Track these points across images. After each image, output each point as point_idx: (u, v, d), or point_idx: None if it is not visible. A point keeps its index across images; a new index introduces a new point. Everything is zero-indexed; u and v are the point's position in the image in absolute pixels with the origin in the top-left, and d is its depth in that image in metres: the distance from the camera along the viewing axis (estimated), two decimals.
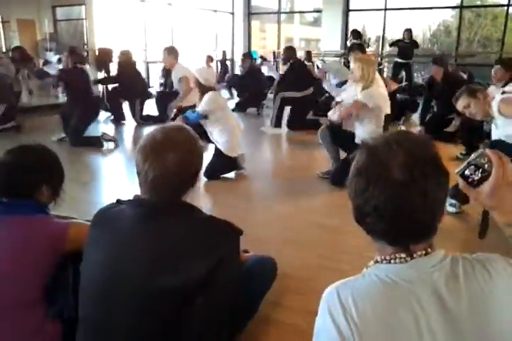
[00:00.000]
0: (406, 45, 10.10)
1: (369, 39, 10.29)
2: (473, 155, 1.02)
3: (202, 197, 3.92)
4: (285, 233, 3.26)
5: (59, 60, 9.71)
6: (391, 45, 10.86)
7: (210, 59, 11.76)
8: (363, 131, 4.14)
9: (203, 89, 4.46)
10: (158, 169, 1.34)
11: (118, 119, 7.88)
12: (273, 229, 3.35)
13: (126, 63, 7.70)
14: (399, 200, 0.92)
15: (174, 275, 1.30)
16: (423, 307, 0.92)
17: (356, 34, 10.20)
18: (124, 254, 1.35)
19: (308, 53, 10.05)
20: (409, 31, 10.11)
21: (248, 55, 10.37)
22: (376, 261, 1.01)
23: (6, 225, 1.63)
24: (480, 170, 1.00)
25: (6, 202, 1.67)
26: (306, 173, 4.84)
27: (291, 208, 3.80)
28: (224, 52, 13.75)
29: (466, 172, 1.01)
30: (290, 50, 7.64)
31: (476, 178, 1.00)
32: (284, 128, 7.12)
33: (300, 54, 9.63)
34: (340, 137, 4.39)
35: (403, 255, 0.97)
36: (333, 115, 4.33)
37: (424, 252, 0.97)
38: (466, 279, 0.95)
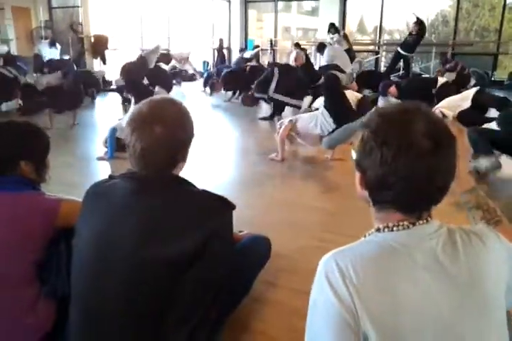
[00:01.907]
0: (413, 38, 10.01)
1: (343, 35, 10.20)
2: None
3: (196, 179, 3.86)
4: (280, 216, 3.27)
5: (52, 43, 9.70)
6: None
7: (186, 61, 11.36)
8: None
9: None
10: (145, 141, 1.33)
11: None
12: (268, 212, 3.36)
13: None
14: (428, 168, 0.93)
15: (165, 248, 1.29)
16: (422, 270, 0.94)
17: (334, 28, 10.20)
18: (115, 228, 1.35)
19: (297, 44, 9.99)
20: (416, 24, 10.00)
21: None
22: (377, 229, 1.01)
23: None
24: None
25: None
26: (303, 161, 4.85)
27: (286, 192, 3.83)
28: (221, 40, 13.68)
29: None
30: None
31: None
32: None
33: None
34: None
35: (406, 222, 0.98)
36: None
37: (425, 220, 0.99)
38: (464, 245, 0.98)
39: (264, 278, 2.16)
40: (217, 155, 5.06)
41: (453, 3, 12.91)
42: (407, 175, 0.94)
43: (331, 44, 9.76)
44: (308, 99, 6.94)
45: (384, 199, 1.00)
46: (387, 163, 0.94)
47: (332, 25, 10.48)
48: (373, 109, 1.04)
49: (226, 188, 3.92)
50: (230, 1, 14.96)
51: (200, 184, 1.47)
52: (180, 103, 1.48)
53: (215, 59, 13.62)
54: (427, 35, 11.12)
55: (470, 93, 5.62)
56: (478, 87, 5.83)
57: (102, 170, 4.51)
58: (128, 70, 7.22)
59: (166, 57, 10.39)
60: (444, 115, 5.35)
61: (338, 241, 2.62)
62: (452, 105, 5.53)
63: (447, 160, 0.95)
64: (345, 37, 10.27)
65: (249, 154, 5.28)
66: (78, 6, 11.18)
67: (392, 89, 6.50)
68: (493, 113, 5.45)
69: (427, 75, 10.57)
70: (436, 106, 5.51)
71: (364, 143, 0.98)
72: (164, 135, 1.35)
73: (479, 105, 5.40)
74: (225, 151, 5.39)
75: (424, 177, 0.94)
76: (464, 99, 5.51)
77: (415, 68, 11.84)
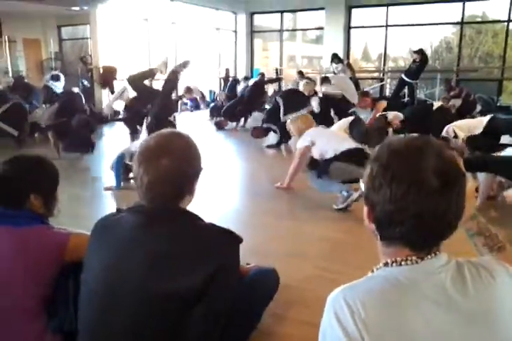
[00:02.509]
0: (416, 66, 10.12)
1: (347, 64, 10.44)
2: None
3: (202, 209, 3.86)
4: (287, 246, 3.25)
5: (55, 77, 9.87)
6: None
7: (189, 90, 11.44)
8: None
9: None
10: (152, 173, 1.35)
11: None
12: (275, 242, 3.34)
13: None
14: (437, 206, 0.93)
15: (172, 282, 1.29)
16: (430, 305, 0.93)
17: (337, 59, 10.39)
18: (122, 261, 1.35)
19: (300, 73, 10.15)
20: (418, 53, 10.13)
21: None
22: (385, 264, 1.01)
23: (2, 236, 1.63)
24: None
25: (1, 212, 1.67)
26: (307, 189, 4.83)
27: (291, 221, 3.81)
28: (227, 70, 13.87)
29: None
30: None
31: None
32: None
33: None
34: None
35: (415, 257, 0.98)
36: None
37: (433, 254, 0.99)
38: (473, 280, 0.97)
39: (272, 311, 2.13)
40: (223, 184, 5.06)
41: (456, 30, 13.08)
42: (416, 212, 0.93)
43: (335, 73, 9.92)
44: None
45: (392, 235, 0.99)
46: (397, 200, 0.93)
47: (335, 55, 10.70)
48: (384, 142, 1.03)
49: (231, 217, 3.93)
50: (236, 31, 15.25)
51: (206, 213, 1.48)
52: (188, 136, 1.49)
53: (221, 88, 13.78)
54: (431, 61, 11.27)
55: (483, 121, 5.62)
56: (491, 115, 5.79)
57: (110, 202, 4.53)
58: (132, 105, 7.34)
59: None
60: (455, 134, 5.29)
61: (345, 271, 2.65)
62: (466, 128, 5.51)
63: (457, 197, 0.94)
64: (349, 66, 10.44)
65: (254, 182, 5.30)
66: (88, 38, 11.41)
67: (396, 122, 6.48)
68: (506, 139, 5.41)
69: (432, 101, 10.62)
70: (451, 124, 5.42)
71: (373, 177, 0.98)
72: (171, 168, 1.36)
73: (492, 132, 5.39)
74: (231, 179, 5.40)
75: (433, 215, 0.93)
76: (477, 127, 5.51)
77: (420, 95, 11.92)
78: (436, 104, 6.50)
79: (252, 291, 1.85)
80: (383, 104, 7.02)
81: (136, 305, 1.31)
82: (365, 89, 9.94)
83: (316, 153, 4.36)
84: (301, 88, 7.72)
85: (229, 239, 1.41)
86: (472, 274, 0.98)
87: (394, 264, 0.99)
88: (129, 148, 4.83)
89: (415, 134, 1.03)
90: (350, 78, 9.46)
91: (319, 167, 4.26)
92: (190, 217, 1.43)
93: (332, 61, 10.76)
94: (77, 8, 9.49)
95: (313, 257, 3.04)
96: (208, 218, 1.46)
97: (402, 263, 0.98)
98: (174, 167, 1.37)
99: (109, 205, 4.44)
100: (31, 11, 9.94)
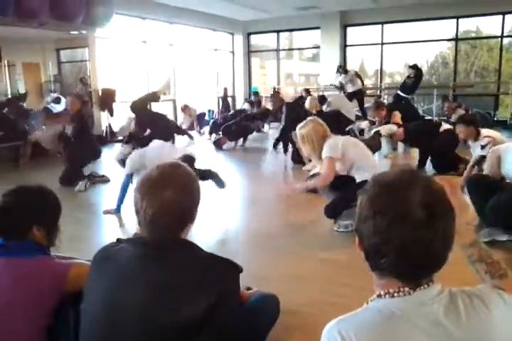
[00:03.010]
0: (411, 81, 10.22)
1: (355, 73, 10.62)
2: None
3: (199, 236, 3.91)
4: (287, 269, 3.23)
5: (56, 100, 9.96)
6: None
7: (187, 108, 11.59)
8: (361, 177, 3.77)
9: None
10: (156, 207, 1.35)
11: None
12: (275, 264, 3.32)
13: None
14: (422, 239, 0.94)
15: (173, 312, 1.29)
16: (422, 336, 0.93)
17: (342, 69, 10.56)
18: (122, 292, 1.35)
19: (307, 90, 10.33)
20: (412, 68, 10.26)
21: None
22: (379, 296, 1.01)
23: (4, 267, 1.63)
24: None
25: (3, 244, 1.68)
26: (309, 212, 4.82)
27: (294, 243, 3.77)
28: (225, 89, 14.00)
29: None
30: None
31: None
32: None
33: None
34: (340, 184, 3.88)
35: (407, 289, 0.98)
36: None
37: (426, 285, 0.99)
38: (466, 310, 0.97)
39: (274, 336, 2.11)
40: (223, 205, 5.06)
41: (451, 45, 13.23)
42: (400, 245, 0.94)
43: (342, 84, 10.04)
44: None
45: (380, 266, 1.00)
46: (380, 232, 0.95)
47: (340, 66, 10.85)
48: (375, 175, 1.05)
49: (232, 240, 3.91)
50: (233, 52, 15.42)
51: (205, 234, 1.47)
52: (187, 167, 1.51)
53: (220, 108, 13.92)
54: (427, 76, 11.36)
55: None
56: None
57: (110, 224, 4.52)
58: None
59: None
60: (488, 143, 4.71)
61: (349, 294, 2.63)
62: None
63: (444, 230, 0.95)
64: (358, 75, 10.53)
65: (255, 203, 5.28)
66: (86, 60, 11.51)
67: (399, 131, 6.47)
68: None
69: (430, 117, 10.67)
70: (487, 133, 4.95)
71: (361, 209, 1.00)
72: (174, 200, 1.37)
73: None
74: (231, 200, 5.38)
75: (418, 248, 0.94)
76: None
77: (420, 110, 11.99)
78: (445, 126, 6.36)
79: (253, 318, 1.85)
80: (398, 114, 6.96)
81: (137, 335, 1.30)
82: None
83: (343, 168, 3.86)
84: (307, 105, 7.75)
85: (229, 268, 1.42)
86: (466, 304, 0.98)
87: (387, 296, 1.00)
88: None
89: (407, 168, 1.05)
90: (359, 91, 9.58)
91: (346, 188, 3.70)
92: (190, 247, 1.43)
93: (337, 71, 10.87)
94: (76, 33, 9.59)
95: (314, 280, 3.02)
96: (208, 240, 1.47)
97: (395, 294, 0.99)
98: (178, 199, 1.38)
99: (107, 228, 4.43)
100: (31, 36, 10.05)
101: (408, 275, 0.99)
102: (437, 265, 0.99)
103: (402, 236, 0.93)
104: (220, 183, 5.06)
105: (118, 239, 1.50)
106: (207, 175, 4.86)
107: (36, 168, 7.22)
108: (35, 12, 7.38)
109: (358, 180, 3.76)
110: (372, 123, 7.31)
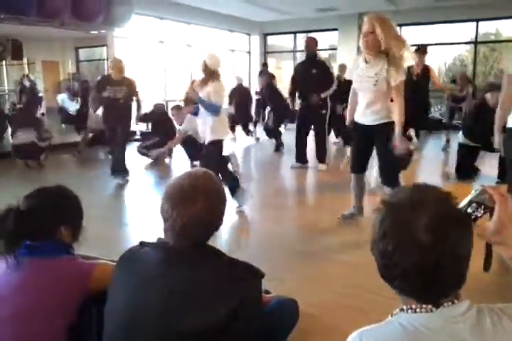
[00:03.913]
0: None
1: None
2: (473, 193, 1.03)
3: (219, 240, 3.95)
4: (301, 270, 3.24)
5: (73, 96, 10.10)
6: None
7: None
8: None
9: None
10: (187, 218, 1.38)
11: None
12: (288, 265, 3.33)
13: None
14: (426, 263, 0.92)
15: (195, 319, 1.31)
16: None
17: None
18: (146, 297, 1.37)
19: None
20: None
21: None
22: (401, 310, 1.01)
23: (30, 267, 1.66)
24: (482, 207, 1.01)
25: (29, 244, 1.70)
26: (325, 212, 4.83)
27: (308, 244, 3.78)
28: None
29: (469, 210, 1.02)
30: None
31: (479, 215, 1.01)
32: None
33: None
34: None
35: (430, 305, 0.97)
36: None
37: (450, 303, 0.97)
38: (494, 329, 0.94)
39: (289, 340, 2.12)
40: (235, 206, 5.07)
41: (470, 48, 13.10)
42: (407, 270, 0.94)
43: None
44: None
45: (395, 287, 1.00)
46: (387, 256, 0.95)
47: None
48: (386, 196, 1.04)
49: (246, 242, 3.92)
50: (250, 52, 15.44)
51: (220, 238, 1.49)
52: (213, 174, 1.53)
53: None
54: (445, 79, 11.23)
55: None
56: None
57: (130, 222, 4.56)
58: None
59: None
60: None
61: (367, 298, 2.63)
62: None
63: (453, 252, 0.93)
64: None
65: (267, 204, 5.28)
66: (104, 59, 11.61)
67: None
68: None
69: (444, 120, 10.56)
70: None
71: (373, 230, 1.01)
72: (205, 212, 1.40)
73: None
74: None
75: (424, 272, 0.93)
76: None
77: (435, 113, 11.89)
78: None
79: (272, 322, 1.85)
80: None
81: (155, 336, 1.33)
82: None
83: None
84: None
85: (251, 274, 1.43)
86: (494, 323, 0.95)
87: (409, 311, 0.99)
88: None
89: (419, 185, 1.03)
90: None
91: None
92: (212, 253, 1.46)
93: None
94: (95, 32, 9.69)
95: (331, 282, 3.02)
96: (221, 243, 1.49)
97: (417, 310, 0.98)
98: (208, 210, 1.41)
99: (133, 228, 4.49)
100: (51, 35, 10.18)
101: (422, 296, 0.98)
102: (452, 285, 0.97)
103: (407, 261, 0.93)
104: (241, 201, 4.73)
105: (141, 242, 1.53)
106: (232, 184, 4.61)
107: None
108: (57, 12, 7.48)
109: None
110: None
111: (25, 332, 1.57)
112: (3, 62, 11.41)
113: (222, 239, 3.77)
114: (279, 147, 8.65)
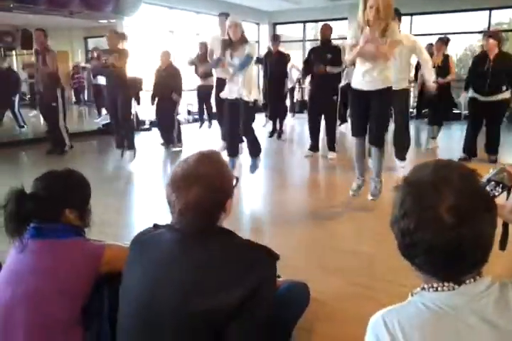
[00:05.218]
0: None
1: None
2: (491, 171, 1.03)
3: (229, 223, 3.87)
4: (316, 259, 3.24)
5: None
6: None
7: None
8: None
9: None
10: (183, 202, 1.38)
11: None
12: (300, 254, 3.33)
13: None
14: (450, 243, 0.90)
15: (209, 300, 1.31)
16: (471, 333, 0.91)
17: None
18: (160, 278, 1.38)
19: None
20: None
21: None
22: (422, 288, 1.00)
23: (39, 248, 1.68)
24: (500, 186, 1.00)
25: (37, 226, 1.72)
26: (337, 198, 4.81)
27: (320, 234, 3.78)
28: None
29: (487, 188, 1.01)
30: None
31: (497, 194, 1.01)
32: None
33: None
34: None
35: (452, 283, 0.96)
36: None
37: (472, 280, 0.96)
38: None
39: (303, 325, 2.13)
40: (248, 189, 5.09)
41: (482, 37, 12.90)
42: (428, 249, 0.92)
43: None
44: None
45: (415, 265, 0.99)
46: (408, 235, 0.93)
47: None
48: (411, 170, 1.02)
49: (257, 228, 3.92)
50: (258, 42, 15.35)
51: (232, 223, 1.49)
52: (217, 157, 1.52)
53: None
54: (456, 69, 11.10)
55: None
56: None
57: (138, 208, 4.58)
58: None
59: None
60: None
61: (374, 286, 2.63)
62: None
63: (476, 232, 0.91)
64: None
65: (282, 189, 5.28)
66: None
67: None
68: None
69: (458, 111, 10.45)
70: None
71: (393, 208, 0.99)
72: (201, 196, 1.38)
73: None
74: (257, 187, 5.41)
75: (447, 251, 0.91)
76: None
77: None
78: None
79: (282, 305, 1.85)
80: None
81: (172, 322, 1.33)
82: None
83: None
84: None
85: (266, 257, 1.43)
86: None
87: (431, 289, 0.98)
88: None
89: (442, 162, 1.01)
90: None
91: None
92: (225, 235, 1.46)
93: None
94: (105, 21, 9.67)
95: (343, 271, 3.02)
96: (233, 228, 1.49)
97: (439, 289, 0.96)
98: (204, 195, 1.39)
99: (140, 213, 4.49)
100: (60, 24, 10.17)
101: (444, 274, 0.96)
102: (475, 263, 0.95)
103: (428, 240, 0.91)
104: (254, 166, 5.27)
105: (155, 225, 1.54)
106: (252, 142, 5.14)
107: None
108: (66, 1, 7.46)
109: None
110: None
111: (38, 313, 1.59)
112: (13, 51, 11.42)
113: (232, 223, 3.73)
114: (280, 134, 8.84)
